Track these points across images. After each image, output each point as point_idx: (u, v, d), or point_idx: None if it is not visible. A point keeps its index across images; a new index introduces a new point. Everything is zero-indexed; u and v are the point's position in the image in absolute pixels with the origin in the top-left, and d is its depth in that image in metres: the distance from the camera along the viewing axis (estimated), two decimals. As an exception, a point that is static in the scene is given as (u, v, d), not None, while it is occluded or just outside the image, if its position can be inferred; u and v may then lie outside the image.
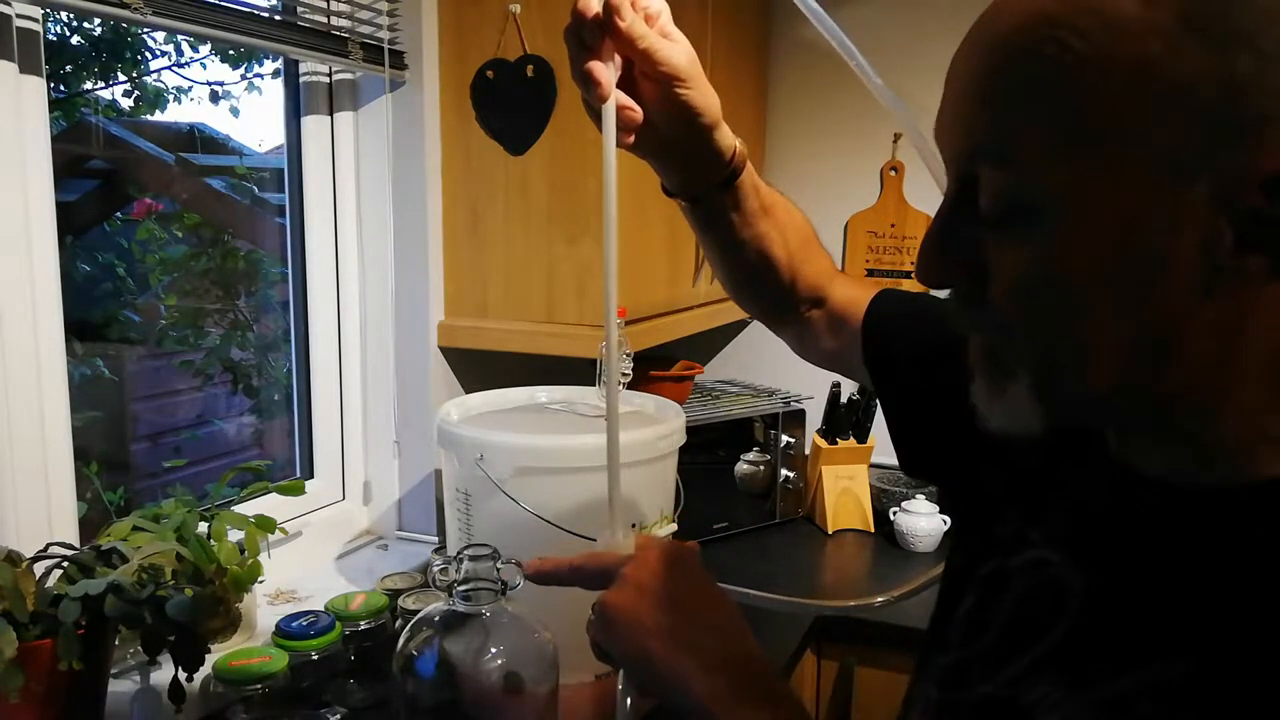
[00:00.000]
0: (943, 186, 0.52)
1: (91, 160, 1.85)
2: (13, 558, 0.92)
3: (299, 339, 1.61)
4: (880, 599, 1.49)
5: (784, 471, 1.93)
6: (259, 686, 1.03)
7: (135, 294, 2.00)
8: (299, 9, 1.37)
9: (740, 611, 0.66)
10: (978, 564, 0.62)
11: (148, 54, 2.12)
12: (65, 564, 0.96)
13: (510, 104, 1.49)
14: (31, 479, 1.12)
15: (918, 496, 1.86)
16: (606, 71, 0.64)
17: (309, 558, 1.51)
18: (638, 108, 0.67)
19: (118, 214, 2.02)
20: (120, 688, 1.09)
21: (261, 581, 1.17)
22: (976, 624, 0.60)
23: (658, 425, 1.21)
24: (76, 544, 1.07)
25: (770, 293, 0.83)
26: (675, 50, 0.66)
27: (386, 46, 1.48)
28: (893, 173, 2.14)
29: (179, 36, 2.00)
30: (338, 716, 1.09)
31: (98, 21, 1.94)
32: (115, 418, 1.85)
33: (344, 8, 1.44)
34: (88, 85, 2.10)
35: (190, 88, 2.15)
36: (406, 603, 1.20)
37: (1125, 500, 0.53)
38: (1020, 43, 0.45)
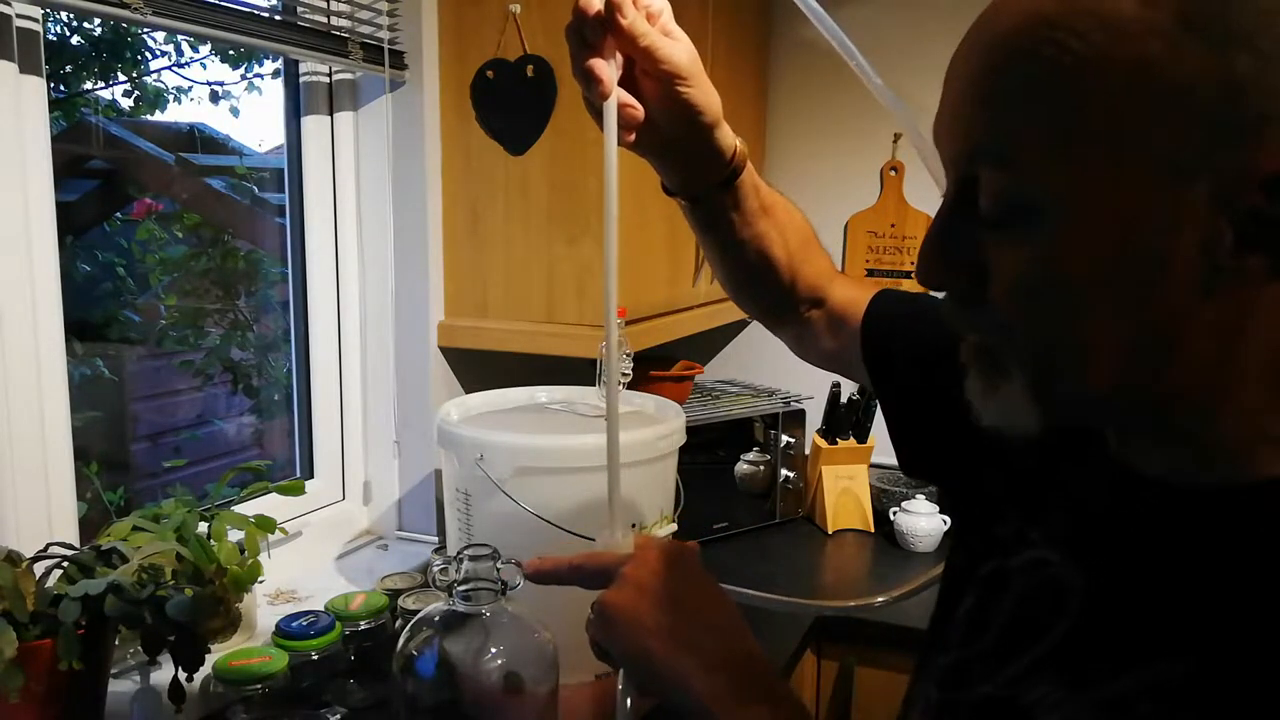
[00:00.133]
0: (942, 187, 0.52)
1: (91, 160, 1.85)
2: (13, 558, 0.92)
3: (299, 339, 1.61)
4: (880, 599, 1.49)
5: (784, 471, 1.93)
6: (259, 686, 1.03)
7: (135, 294, 2.00)
8: (299, 9, 1.37)
9: (740, 611, 0.66)
10: (978, 564, 0.62)
11: (148, 54, 2.12)
12: (65, 564, 0.96)
13: (510, 104, 1.49)
14: (31, 479, 1.12)
15: (918, 496, 1.86)
16: (608, 69, 0.64)
17: (309, 558, 1.51)
18: (639, 106, 0.67)
19: (118, 214, 2.02)
20: (120, 688, 1.08)
21: (261, 581, 1.17)
22: (976, 624, 0.60)
23: (658, 425, 1.21)
24: (76, 544, 1.07)
25: (770, 293, 0.83)
26: (677, 48, 0.66)
27: (386, 46, 1.48)
28: (893, 173, 2.14)
29: (179, 36, 2.00)
30: (338, 716, 1.09)
31: (98, 21, 1.94)
32: (115, 418, 1.85)
33: (344, 8, 1.44)
34: (88, 85, 2.10)
35: (190, 88, 2.16)
36: (406, 603, 1.20)
37: (1125, 500, 0.53)
38: (1019, 43, 0.45)
